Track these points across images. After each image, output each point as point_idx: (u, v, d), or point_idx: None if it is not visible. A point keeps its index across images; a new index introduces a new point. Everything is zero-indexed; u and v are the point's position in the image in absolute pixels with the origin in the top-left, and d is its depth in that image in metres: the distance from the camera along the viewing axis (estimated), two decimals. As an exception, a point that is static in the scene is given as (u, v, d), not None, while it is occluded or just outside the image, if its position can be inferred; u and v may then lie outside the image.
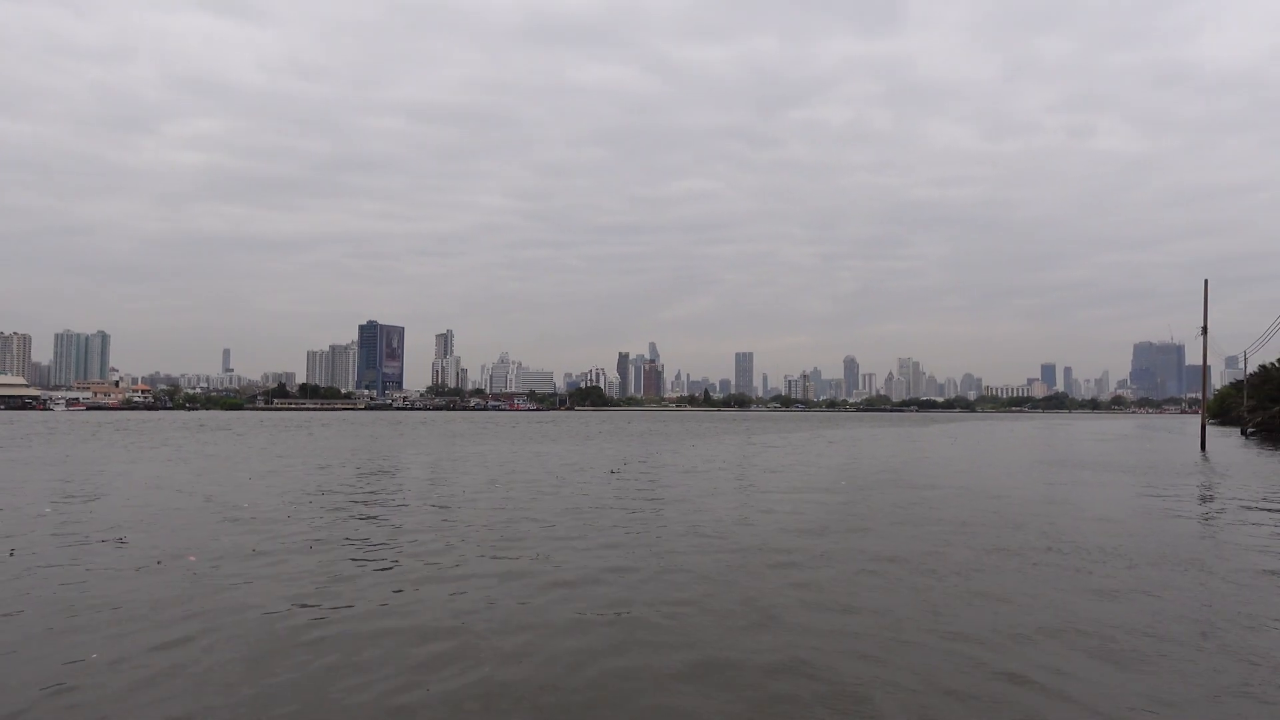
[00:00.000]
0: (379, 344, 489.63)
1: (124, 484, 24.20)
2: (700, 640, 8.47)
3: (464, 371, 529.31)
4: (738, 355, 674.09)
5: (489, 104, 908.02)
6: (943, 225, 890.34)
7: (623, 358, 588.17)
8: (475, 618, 9.28)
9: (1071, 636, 8.57)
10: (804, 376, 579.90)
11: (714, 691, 7.07)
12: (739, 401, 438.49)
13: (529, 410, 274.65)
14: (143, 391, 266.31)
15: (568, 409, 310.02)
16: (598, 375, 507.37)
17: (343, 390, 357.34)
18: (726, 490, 23.30)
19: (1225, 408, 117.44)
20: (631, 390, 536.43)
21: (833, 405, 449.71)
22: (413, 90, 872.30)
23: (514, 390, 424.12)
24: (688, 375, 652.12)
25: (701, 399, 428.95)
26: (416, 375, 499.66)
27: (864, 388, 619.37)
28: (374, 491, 22.42)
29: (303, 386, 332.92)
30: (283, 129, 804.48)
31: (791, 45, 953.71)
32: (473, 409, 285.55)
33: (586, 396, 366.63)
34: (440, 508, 18.85)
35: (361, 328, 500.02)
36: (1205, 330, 53.08)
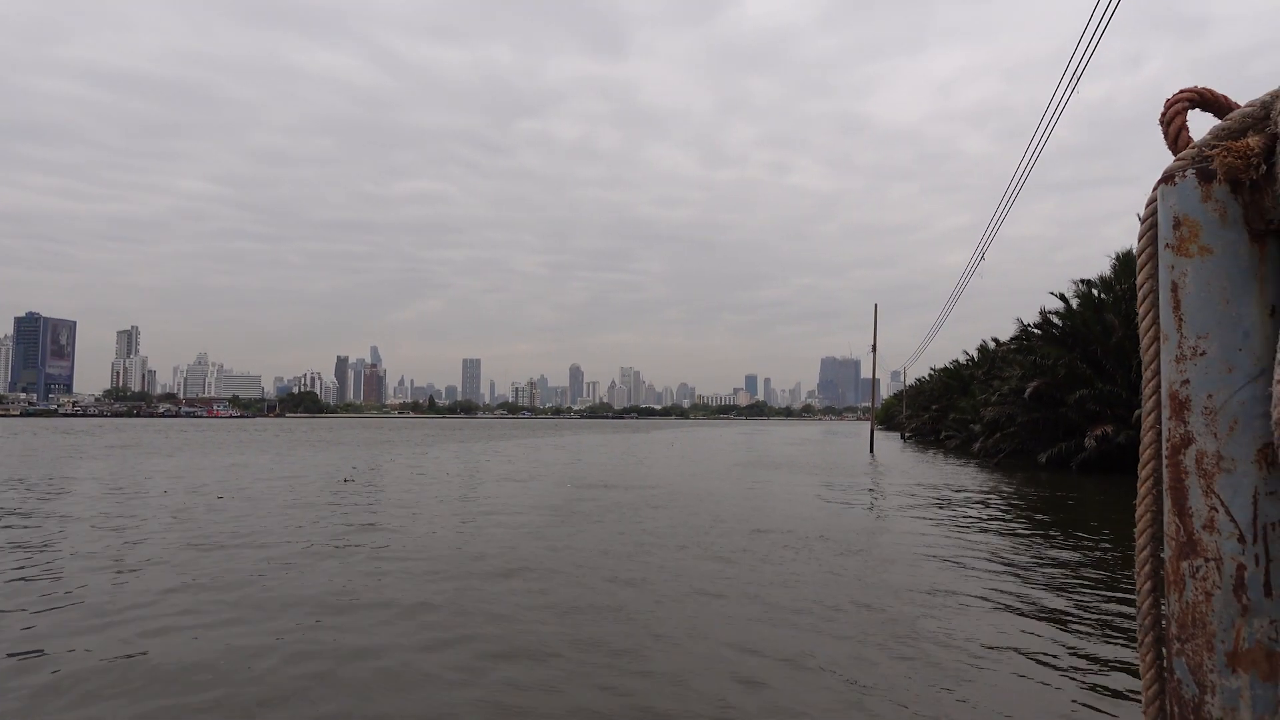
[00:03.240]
0: (42, 339, 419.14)
1: None
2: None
3: (152, 373, 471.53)
4: (465, 361, 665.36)
5: (192, 79, 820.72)
6: (665, 242, 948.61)
7: (341, 361, 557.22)
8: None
9: (754, 622, 9.39)
10: (531, 384, 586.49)
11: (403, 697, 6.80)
12: (465, 408, 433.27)
13: (231, 417, 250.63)
14: None
15: (277, 415, 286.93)
16: (313, 380, 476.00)
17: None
18: (451, 498, 22.79)
19: (890, 415, 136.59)
20: (350, 396, 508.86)
21: (558, 412, 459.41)
22: (98, 53, 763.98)
23: (214, 395, 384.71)
24: (412, 381, 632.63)
25: (426, 406, 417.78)
26: (92, 377, 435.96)
27: (588, 395, 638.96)
28: (23, 520, 19.09)
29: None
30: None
31: (524, 57, 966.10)
32: (162, 415, 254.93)
33: (300, 402, 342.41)
34: (113, 530, 16.46)
35: (19, 320, 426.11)
36: (875, 348, 61.22)
